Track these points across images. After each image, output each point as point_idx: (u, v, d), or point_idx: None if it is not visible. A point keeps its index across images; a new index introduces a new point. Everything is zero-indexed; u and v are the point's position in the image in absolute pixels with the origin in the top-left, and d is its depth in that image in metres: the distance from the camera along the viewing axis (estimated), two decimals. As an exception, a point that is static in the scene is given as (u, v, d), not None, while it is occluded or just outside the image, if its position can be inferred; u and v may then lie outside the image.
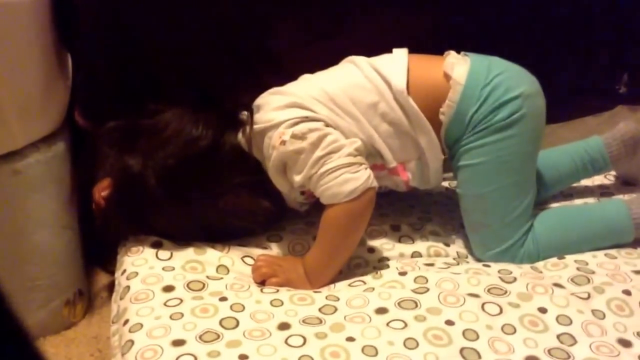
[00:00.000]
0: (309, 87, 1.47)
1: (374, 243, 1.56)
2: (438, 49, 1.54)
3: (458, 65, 1.47)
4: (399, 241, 1.57)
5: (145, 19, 1.54)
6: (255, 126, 1.44)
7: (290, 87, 1.50)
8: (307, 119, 1.40)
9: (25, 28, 1.39)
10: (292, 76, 1.53)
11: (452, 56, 1.51)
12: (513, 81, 1.46)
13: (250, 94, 1.52)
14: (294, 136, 1.37)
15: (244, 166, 1.46)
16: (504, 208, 1.48)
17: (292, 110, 1.42)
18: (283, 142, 1.38)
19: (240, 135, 1.47)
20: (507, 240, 1.48)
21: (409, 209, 1.70)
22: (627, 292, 1.33)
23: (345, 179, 1.36)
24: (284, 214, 1.59)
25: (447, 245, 1.58)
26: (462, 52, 1.52)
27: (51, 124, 1.52)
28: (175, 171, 1.41)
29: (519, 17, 1.78)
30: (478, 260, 1.52)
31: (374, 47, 1.53)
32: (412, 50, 1.53)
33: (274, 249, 1.55)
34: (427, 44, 1.54)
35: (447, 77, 1.47)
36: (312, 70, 1.54)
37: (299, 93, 1.45)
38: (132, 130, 1.46)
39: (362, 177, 1.37)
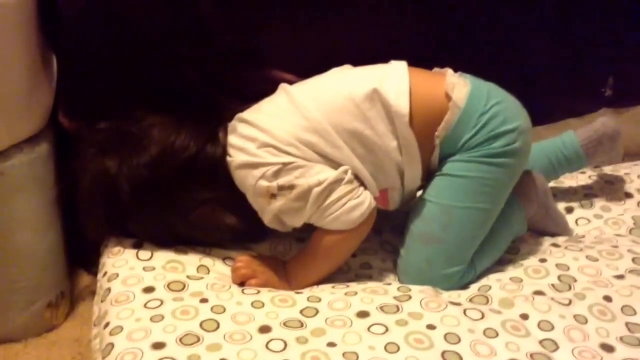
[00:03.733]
0: (287, 118, 1.40)
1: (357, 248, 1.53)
2: (420, 58, 1.50)
3: (459, 87, 1.41)
4: (381, 247, 1.57)
5: (132, 20, 1.52)
6: (229, 157, 1.41)
7: (265, 119, 1.41)
8: (286, 165, 1.35)
9: (8, 29, 1.38)
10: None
11: (451, 75, 1.46)
12: (511, 113, 1.43)
13: (234, 104, 1.50)
14: (282, 188, 1.35)
15: (218, 182, 1.42)
16: (465, 230, 1.43)
17: (266, 152, 1.37)
18: (273, 196, 1.36)
19: (217, 149, 1.43)
20: (453, 266, 1.43)
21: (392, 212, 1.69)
22: (609, 299, 1.33)
23: (352, 206, 1.35)
24: (268, 235, 1.54)
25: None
26: (459, 73, 1.48)
27: (35, 125, 1.51)
28: (148, 180, 1.40)
29: (502, 19, 1.76)
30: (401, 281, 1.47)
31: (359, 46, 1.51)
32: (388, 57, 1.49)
33: (256, 249, 1.53)
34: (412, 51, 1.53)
35: (448, 98, 1.41)
36: (297, 70, 1.52)
37: (273, 131, 1.37)
38: (115, 134, 1.45)
39: (366, 200, 1.37)
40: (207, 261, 1.45)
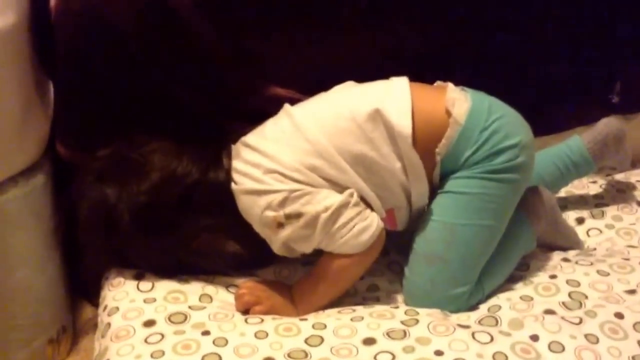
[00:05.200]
0: (289, 143, 1.38)
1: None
2: (422, 70, 1.49)
3: (459, 102, 1.40)
4: (388, 268, 1.54)
5: (129, 44, 1.49)
6: (233, 184, 1.39)
7: (269, 145, 1.39)
8: (292, 192, 1.33)
9: (2, 56, 1.35)
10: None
11: (452, 90, 1.44)
12: (512, 127, 1.41)
13: (237, 125, 1.49)
14: (289, 217, 1.33)
15: (221, 208, 1.40)
16: (469, 248, 1.40)
17: (272, 178, 1.35)
18: (280, 225, 1.34)
19: (219, 173, 1.41)
20: (458, 286, 1.39)
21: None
22: (620, 315, 1.30)
23: (361, 229, 1.33)
24: (272, 260, 1.51)
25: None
26: (460, 87, 1.45)
27: (30, 156, 1.48)
28: (148, 208, 1.37)
29: (506, 28, 1.73)
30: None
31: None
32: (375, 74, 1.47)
33: (260, 274, 1.51)
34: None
35: (448, 114, 1.39)
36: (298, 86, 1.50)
37: (278, 156, 1.36)
38: (114, 161, 1.43)
39: (374, 222, 1.35)
40: (210, 289, 1.42)
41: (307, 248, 1.37)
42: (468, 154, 1.38)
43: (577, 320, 1.29)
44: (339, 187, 1.36)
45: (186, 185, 1.38)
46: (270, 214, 1.33)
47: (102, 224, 1.40)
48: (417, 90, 1.42)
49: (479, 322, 1.32)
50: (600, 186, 1.81)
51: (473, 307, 1.41)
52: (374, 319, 1.31)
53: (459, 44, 1.69)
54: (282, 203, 1.33)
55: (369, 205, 1.38)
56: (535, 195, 1.54)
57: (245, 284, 1.43)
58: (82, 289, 1.70)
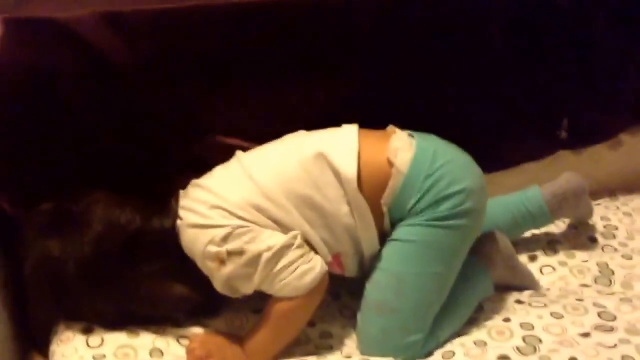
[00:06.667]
0: (237, 183, 1.39)
1: (315, 315, 1.50)
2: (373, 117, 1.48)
3: (402, 151, 1.40)
4: (340, 314, 1.53)
5: (63, 98, 1.47)
6: (179, 220, 1.38)
7: (217, 183, 1.41)
8: (236, 228, 1.33)
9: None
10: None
11: (397, 138, 1.44)
12: (457, 173, 1.40)
13: (186, 175, 1.47)
14: (231, 253, 1.32)
15: (167, 253, 1.39)
16: (419, 296, 1.38)
17: (217, 214, 1.34)
18: (222, 262, 1.32)
19: (165, 220, 1.40)
20: (411, 335, 1.37)
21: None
22: (574, 360, 1.29)
23: (303, 271, 1.32)
24: (222, 303, 1.50)
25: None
26: (407, 132, 1.46)
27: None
28: (92, 257, 1.35)
29: (452, 64, 1.73)
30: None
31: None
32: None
33: (211, 325, 1.48)
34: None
35: (390, 163, 1.39)
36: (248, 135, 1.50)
37: (224, 194, 1.36)
38: (56, 214, 1.40)
39: (317, 265, 1.34)
40: (161, 343, 1.40)
41: (249, 288, 1.36)
42: (413, 202, 1.37)
43: (533, 367, 1.28)
44: (285, 229, 1.35)
45: (129, 233, 1.37)
46: (212, 249, 1.32)
47: (47, 278, 1.38)
48: (365, 138, 1.42)
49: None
50: (554, 223, 1.80)
51: (427, 354, 1.39)
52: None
53: (402, 90, 1.68)
54: (225, 238, 1.32)
55: (313, 249, 1.37)
56: (491, 241, 1.54)
57: (196, 337, 1.41)
58: (33, 342, 1.66)
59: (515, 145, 1.83)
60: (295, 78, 1.58)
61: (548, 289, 1.60)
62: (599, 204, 1.88)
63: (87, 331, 1.40)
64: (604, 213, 1.85)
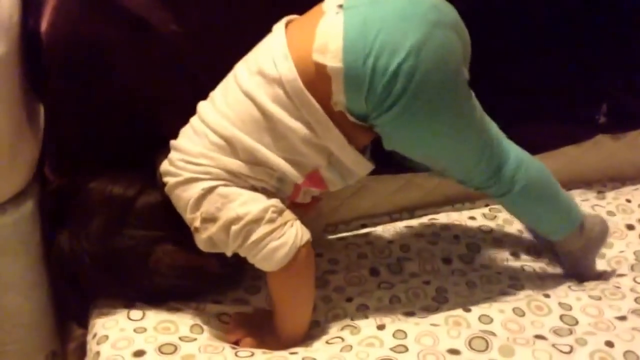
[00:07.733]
0: (195, 135, 1.36)
1: (352, 291, 1.53)
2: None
3: (331, 43, 1.25)
4: (379, 287, 1.54)
5: (120, 67, 1.49)
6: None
7: (180, 141, 1.39)
8: (209, 191, 1.31)
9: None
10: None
11: (323, 24, 1.28)
12: (396, 36, 1.24)
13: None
14: (205, 220, 1.31)
15: (168, 218, 1.39)
16: (460, 148, 1.39)
17: (186, 168, 1.33)
18: (197, 229, 1.32)
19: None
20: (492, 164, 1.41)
21: (388, 246, 1.67)
22: (610, 344, 1.28)
23: (273, 248, 1.29)
24: (240, 270, 1.51)
25: (427, 283, 1.54)
26: (335, 4, 1.31)
27: (19, 183, 1.45)
28: (102, 248, 1.39)
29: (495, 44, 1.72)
30: None
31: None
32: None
33: (253, 302, 1.50)
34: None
35: (322, 66, 1.26)
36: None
37: (185, 147, 1.35)
38: (61, 199, 1.46)
39: (289, 240, 1.29)
40: (201, 319, 1.41)
41: (227, 252, 1.34)
42: (364, 96, 1.27)
43: (568, 349, 1.27)
44: (252, 164, 1.31)
45: (130, 197, 1.41)
46: (189, 216, 1.33)
47: (68, 274, 1.43)
48: (292, 32, 1.34)
49: (469, 342, 1.28)
50: (593, 207, 1.79)
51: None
52: (363, 347, 1.29)
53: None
54: (198, 203, 1.31)
55: (283, 174, 1.33)
56: (601, 223, 1.55)
57: (236, 315, 1.43)
58: (71, 313, 1.68)
59: (554, 130, 1.82)
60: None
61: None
62: (637, 189, 1.87)
63: (128, 305, 1.41)
64: (643, 199, 1.82)
